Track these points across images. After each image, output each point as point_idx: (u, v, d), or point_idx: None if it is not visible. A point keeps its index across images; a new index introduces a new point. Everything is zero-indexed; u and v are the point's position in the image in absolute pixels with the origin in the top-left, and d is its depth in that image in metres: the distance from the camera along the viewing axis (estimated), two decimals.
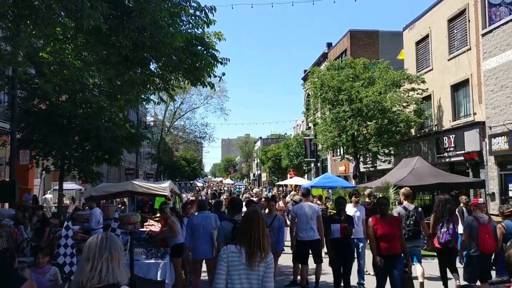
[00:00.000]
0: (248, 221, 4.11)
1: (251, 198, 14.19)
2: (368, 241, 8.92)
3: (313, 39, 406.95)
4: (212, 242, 8.24)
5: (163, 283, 8.35)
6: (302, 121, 53.01)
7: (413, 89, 23.06)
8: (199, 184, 55.22)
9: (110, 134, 15.00)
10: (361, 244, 10.37)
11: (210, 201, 17.36)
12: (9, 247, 8.53)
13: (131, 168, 42.57)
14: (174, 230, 9.42)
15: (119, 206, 18.80)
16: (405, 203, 9.78)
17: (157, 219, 12.77)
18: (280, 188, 47.89)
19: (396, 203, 14.57)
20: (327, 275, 9.88)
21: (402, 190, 10.60)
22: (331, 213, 13.32)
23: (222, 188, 59.42)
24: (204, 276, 9.01)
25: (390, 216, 7.67)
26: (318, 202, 16.12)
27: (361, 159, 26.56)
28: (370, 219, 7.70)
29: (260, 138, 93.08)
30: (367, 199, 13.53)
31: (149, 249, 9.13)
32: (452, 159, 21.12)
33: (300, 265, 9.83)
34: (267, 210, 10.27)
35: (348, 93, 23.32)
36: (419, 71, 24.48)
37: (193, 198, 19.77)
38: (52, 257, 7.06)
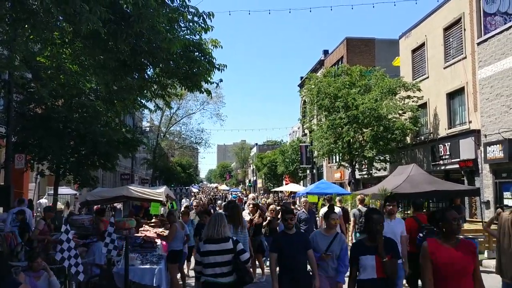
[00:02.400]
0: (231, 212, 7.97)
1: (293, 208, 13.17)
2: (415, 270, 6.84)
3: (309, 46, 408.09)
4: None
5: None
6: (298, 128, 53.09)
7: (408, 97, 23.17)
8: (194, 190, 55.11)
9: (106, 138, 14.97)
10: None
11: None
12: (3, 251, 8.50)
13: (126, 173, 42.47)
14: (170, 234, 9.46)
15: (112, 213, 18.72)
16: (360, 206, 13.10)
17: (152, 224, 12.75)
18: (276, 195, 47.87)
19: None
20: None
21: (358, 196, 14.21)
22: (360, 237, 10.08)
23: (217, 194, 59.38)
24: None
25: (459, 239, 4.60)
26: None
27: (357, 166, 26.61)
28: (426, 243, 4.59)
29: (256, 144, 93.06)
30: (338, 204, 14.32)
31: (144, 255, 9.12)
32: (448, 167, 21.19)
33: None
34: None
35: (345, 100, 23.39)
36: (415, 79, 24.59)
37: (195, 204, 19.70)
38: (51, 262, 7.07)
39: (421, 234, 7.71)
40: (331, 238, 6.57)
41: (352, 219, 13.24)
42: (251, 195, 15.39)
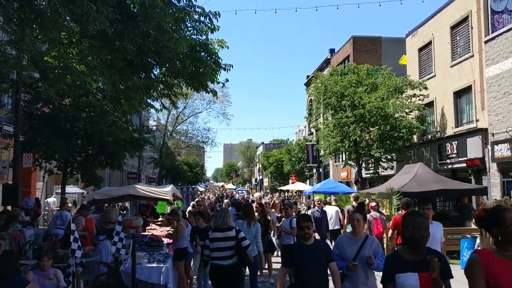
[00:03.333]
0: (245, 209, 9.21)
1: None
2: None
3: (316, 44, 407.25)
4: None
5: (164, 287, 8.35)
6: (305, 127, 53.05)
7: (415, 96, 23.09)
8: (201, 189, 55.27)
9: (113, 137, 15.04)
10: None
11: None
12: (12, 250, 8.56)
13: (133, 172, 42.67)
14: (179, 234, 9.51)
15: (123, 212, 18.77)
16: (354, 203, 14.30)
17: (159, 223, 12.78)
18: (282, 194, 47.87)
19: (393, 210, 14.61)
20: None
21: (353, 194, 15.87)
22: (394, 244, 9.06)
23: (223, 193, 59.48)
24: None
25: None
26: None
27: (363, 165, 26.55)
28: (477, 256, 3.27)
29: (262, 143, 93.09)
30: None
31: (151, 253, 9.16)
32: (455, 166, 21.09)
33: None
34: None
35: (351, 98, 23.35)
36: (422, 78, 24.49)
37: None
38: (58, 260, 7.10)
39: None
40: (360, 243, 5.54)
41: (346, 214, 14.08)
42: (257, 194, 15.40)
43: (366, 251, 5.44)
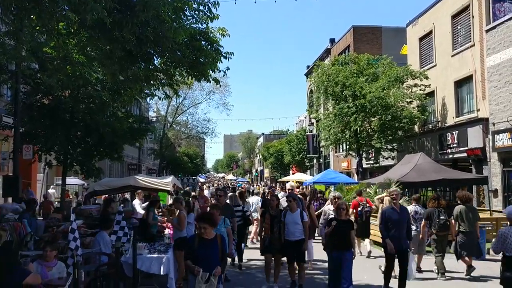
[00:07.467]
0: (240, 195, 13.55)
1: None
2: None
3: (316, 34, 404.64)
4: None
5: (165, 277, 8.37)
6: (305, 117, 52.99)
7: (416, 85, 23.03)
8: (201, 180, 55.37)
9: (111, 127, 14.95)
10: None
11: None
12: (12, 240, 8.56)
13: (133, 164, 42.71)
14: (182, 223, 9.49)
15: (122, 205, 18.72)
16: (297, 190, 15.69)
17: (160, 213, 12.79)
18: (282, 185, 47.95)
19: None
20: None
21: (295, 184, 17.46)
22: None
23: (221, 184, 59.56)
24: None
25: None
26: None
27: (364, 155, 26.53)
28: None
29: (263, 134, 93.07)
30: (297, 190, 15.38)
31: (151, 244, 9.17)
32: (455, 155, 21.09)
33: None
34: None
35: (352, 89, 23.29)
36: (423, 67, 24.42)
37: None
38: (59, 251, 7.08)
39: (359, 208, 12.95)
40: None
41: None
42: (291, 184, 14.53)
43: None
